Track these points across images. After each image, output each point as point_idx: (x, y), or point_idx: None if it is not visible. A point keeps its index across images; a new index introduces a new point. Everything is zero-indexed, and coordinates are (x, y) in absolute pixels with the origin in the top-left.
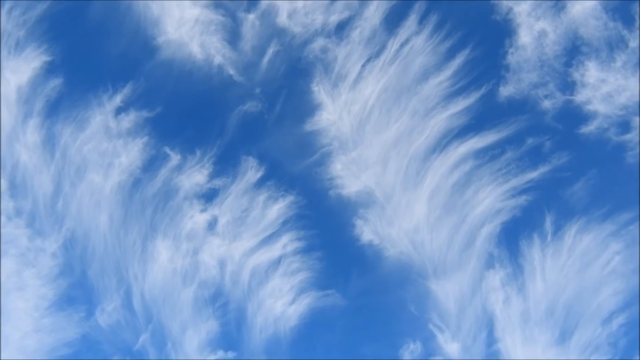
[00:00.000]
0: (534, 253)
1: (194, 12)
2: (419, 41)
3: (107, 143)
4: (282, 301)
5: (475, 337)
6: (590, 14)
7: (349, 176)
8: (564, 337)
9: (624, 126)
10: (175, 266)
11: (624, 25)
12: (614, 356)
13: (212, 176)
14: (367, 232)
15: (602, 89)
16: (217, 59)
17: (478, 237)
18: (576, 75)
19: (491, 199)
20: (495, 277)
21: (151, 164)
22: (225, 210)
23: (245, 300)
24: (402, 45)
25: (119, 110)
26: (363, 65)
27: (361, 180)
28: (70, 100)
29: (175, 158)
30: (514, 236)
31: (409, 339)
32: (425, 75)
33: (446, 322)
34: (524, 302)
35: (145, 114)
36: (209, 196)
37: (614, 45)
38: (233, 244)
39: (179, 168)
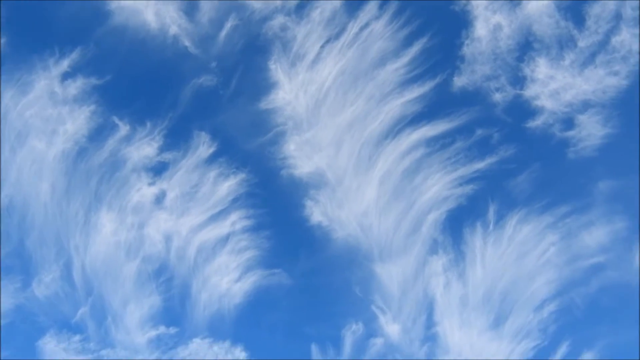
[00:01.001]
0: (476, 241)
1: None
2: (379, 26)
3: (52, 109)
4: (228, 278)
5: (415, 319)
6: (544, 11)
7: (301, 157)
8: (498, 322)
9: (568, 123)
10: (119, 239)
11: (574, 25)
12: (543, 341)
13: (162, 149)
14: (316, 213)
15: (550, 85)
16: (173, 29)
17: (424, 223)
18: (527, 71)
19: (439, 187)
20: (438, 263)
21: (98, 134)
22: (174, 185)
23: (191, 276)
24: (362, 29)
25: (66, 76)
26: (322, 46)
27: (314, 162)
28: (13, 62)
29: (124, 128)
30: (458, 224)
31: (352, 319)
32: (382, 60)
33: (388, 304)
34: (463, 288)
35: (93, 81)
36: (158, 169)
37: (564, 43)
38: (181, 219)
39: (128, 139)
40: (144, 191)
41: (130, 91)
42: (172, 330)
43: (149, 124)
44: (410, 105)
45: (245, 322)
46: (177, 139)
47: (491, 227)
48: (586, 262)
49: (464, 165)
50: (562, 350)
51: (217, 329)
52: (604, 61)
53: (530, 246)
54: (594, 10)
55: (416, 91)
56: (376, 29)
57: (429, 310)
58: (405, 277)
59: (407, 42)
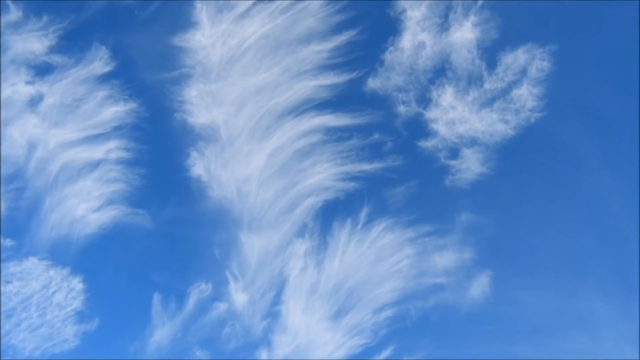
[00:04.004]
0: (342, 235)
1: None
2: (315, 4)
3: None
4: (87, 206)
5: (264, 294)
6: (465, 45)
7: (201, 106)
8: (338, 314)
9: (454, 152)
10: None
11: (486, 67)
12: (372, 341)
13: (53, 50)
14: (199, 166)
15: (450, 114)
16: None
17: (300, 205)
18: (434, 94)
19: (323, 176)
20: (301, 246)
21: None
22: (55, 92)
23: (46, 192)
24: (299, 0)
25: None
26: (254, 3)
27: (211, 115)
28: None
29: (15, 14)
30: (330, 215)
31: (203, 279)
32: (309, 38)
33: (243, 273)
34: (317, 275)
35: None
36: (41, 69)
37: (473, 81)
38: (52, 130)
39: (17, 26)
40: (18, 87)
41: None
42: (9, 242)
43: (45, 18)
44: (321, 90)
45: (92, 254)
46: (73, 44)
47: (359, 227)
48: (430, 280)
49: (352, 163)
50: (386, 352)
51: (59, 254)
52: (500, 108)
53: (388, 253)
54: (507, 59)
55: (331, 79)
56: (312, 6)
57: (279, 288)
58: (267, 251)
59: (337, 29)
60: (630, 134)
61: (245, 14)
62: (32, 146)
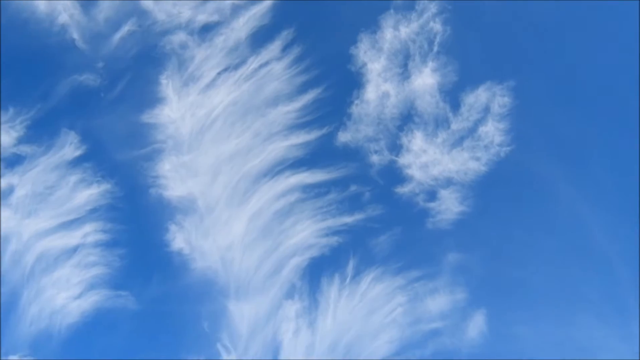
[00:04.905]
0: (331, 292)
1: None
2: (278, 67)
3: None
4: (67, 294)
5: None
6: (428, 90)
7: (175, 179)
8: None
9: (431, 195)
10: None
11: (451, 108)
12: None
13: (22, 141)
14: (179, 239)
15: (422, 158)
16: (63, 18)
17: (286, 266)
18: (404, 140)
19: (306, 233)
20: (292, 308)
21: None
22: (26, 182)
23: (23, 285)
24: (262, 66)
25: None
26: (219, 74)
27: (187, 186)
28: None
29: None
30: (318, 272)
31: (194, 355)
32: (275, 100)
33: (235, 344)
34: (311, 336)
35: None
36: (10, 161)
37: (439, 123)
38: (25, 221)
39: None
40: None
41: None
42: None
43: (11, 111)
44: (293, 149)
45: (76, 345)
46: (41, 132)
47: (348, 280)
48: (426, 326)
49: (333, 217)
50: None
51: (41, 349)
52: (470, 146)
53: (380, 304)
54: (469, 99)
55: (302, 137)
56: (275, 69)
57: (274, 354)
58: (257, 318)
59: (302, 88)
60: (597, 155)
61: (211, 84)
62: (5, 239)
